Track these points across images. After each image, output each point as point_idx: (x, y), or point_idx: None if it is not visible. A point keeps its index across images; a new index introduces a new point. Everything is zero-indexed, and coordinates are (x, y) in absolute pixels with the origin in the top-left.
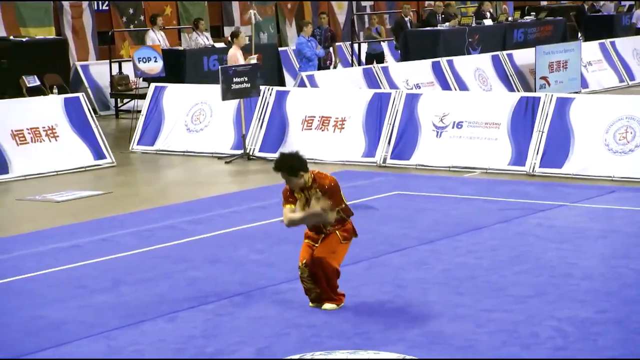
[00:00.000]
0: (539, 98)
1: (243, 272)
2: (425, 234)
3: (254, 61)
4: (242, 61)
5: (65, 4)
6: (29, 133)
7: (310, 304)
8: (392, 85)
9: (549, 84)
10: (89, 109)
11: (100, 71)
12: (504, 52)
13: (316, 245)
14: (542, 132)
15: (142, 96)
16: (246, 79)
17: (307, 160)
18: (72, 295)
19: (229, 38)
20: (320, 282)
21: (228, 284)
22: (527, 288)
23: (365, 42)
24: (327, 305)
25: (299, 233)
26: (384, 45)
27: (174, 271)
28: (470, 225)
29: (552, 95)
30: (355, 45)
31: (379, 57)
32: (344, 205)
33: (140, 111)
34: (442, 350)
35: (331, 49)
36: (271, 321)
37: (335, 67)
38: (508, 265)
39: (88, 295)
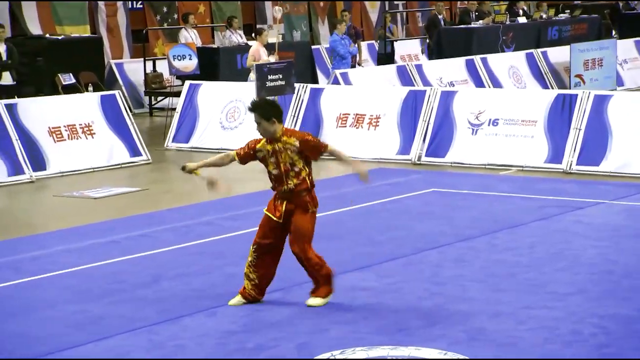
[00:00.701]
0: (576, 95)
1: (280, 268)
2: (462, 231)
3: (272, 59)
4: (264, 57)
5: (100, 3)
6: (65, 130)
7: (231, 301)
8: (426, 83)
9: (584, 82)
10: (124, 107)
11: (135, 69)
12: (539, 50)
13: (276, 218)
14: (580, 129)
15: (176, 94)
16: (281, 76)
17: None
18: (111, 290)
19: (253, 35)
20: (308, 272)
21: None
22: (567, 285)
23: (399, 40)
24: (312, 301)
25: (337, 230)
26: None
27: (212, 267)
28: (508, 222)
29: (589, 93)
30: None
31: (390, 57)
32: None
33: (174, 109)
34: (484, 347)
35: (356, 47)
36: (310, 317)
37: (360, 65)
38: (547, 263)
39: (128, 290)
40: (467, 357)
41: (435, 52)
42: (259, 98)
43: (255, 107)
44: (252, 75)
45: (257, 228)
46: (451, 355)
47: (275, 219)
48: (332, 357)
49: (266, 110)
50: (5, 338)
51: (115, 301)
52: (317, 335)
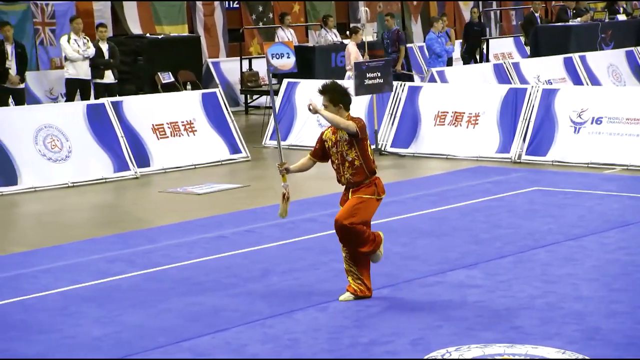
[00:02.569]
0: None
1: (388, 264)
2: (570, 229)
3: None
4: (359, 57)
5: (198, 2)
6: (168, 127)
7: (341, 296)
8: (523, 81)
9: None
10: (225, 104)
11: (230, 68)
12: (639, 48)
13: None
14: None
15: (273, 92)
16: (379, 74)
17: (438, 156)
18: (224, 284)
19: (347, 33)
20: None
21: (374, 276)
22: None
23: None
24: (343, 296)
25: (443, 227)
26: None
27: (320, 262)
28: (617, 221)
29: None
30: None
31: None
32: (369, 156)
33: (270, 107)
34: (602, 346)
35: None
36: (422, 313)
37: (396, 71)
38: None
39: (239, 284)
40: (587, 357)
41: (531, 49)
42: (331, 81)
43: (325, 90)
44: (350, 73)
45: None
46: (570, 354)
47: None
48: (448, 354)
49: (335, 95)
50: (125, 329)
51: (228, 294)
52: (430, 332)
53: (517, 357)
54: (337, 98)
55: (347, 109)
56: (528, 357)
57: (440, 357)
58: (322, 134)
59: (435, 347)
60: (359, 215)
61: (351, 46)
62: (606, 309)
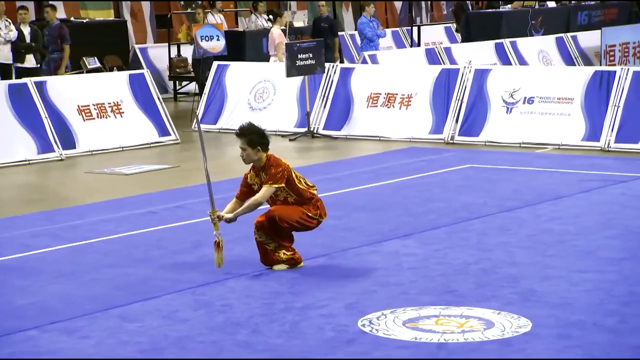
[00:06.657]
0: (614, 72)
1: (323, 236)
2: (504, 202)
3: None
4: (284, 41)
5: None
6: (94, 109)
7: (275, 266)
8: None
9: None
10: (153, 86)
11: (158, 54)
12: (569, 34)
13: None
14: (618, 106)
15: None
16: (311, 55)
17: (371, 138)
18: (154, 256)
19: (271, 18)
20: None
21: (311, 247)
22: (619, 251)
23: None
24: (277, 266)
25: (376, 202)
26: None
27: (250, 235)
28: (550, 195)
29: (628, 69)
30: (415, 29)
31: None
32: (302, 188)
33: (198, 94)
34: (539, 307)
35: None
36: (357, 279)
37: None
38: (596, 231)
39: (169, 256)
40: (523, 317)
41: (463, 36)
42: (248, 124)
43: (242, 133)
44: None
45: None
46: (505, 314)
47: None
48: (383, 316)
49: (253, 138)
50: (53, 298)
51: (158, 265)
52: (365, 296)
53: (452, 317)
54: (255, 140)
55: (265, 150)
56: (464, 317)
57: (375, 319)
58: (246, 176)
59: (371, 310)
60: (295, 223)
61: (275, 30)
62: (541, 273)
